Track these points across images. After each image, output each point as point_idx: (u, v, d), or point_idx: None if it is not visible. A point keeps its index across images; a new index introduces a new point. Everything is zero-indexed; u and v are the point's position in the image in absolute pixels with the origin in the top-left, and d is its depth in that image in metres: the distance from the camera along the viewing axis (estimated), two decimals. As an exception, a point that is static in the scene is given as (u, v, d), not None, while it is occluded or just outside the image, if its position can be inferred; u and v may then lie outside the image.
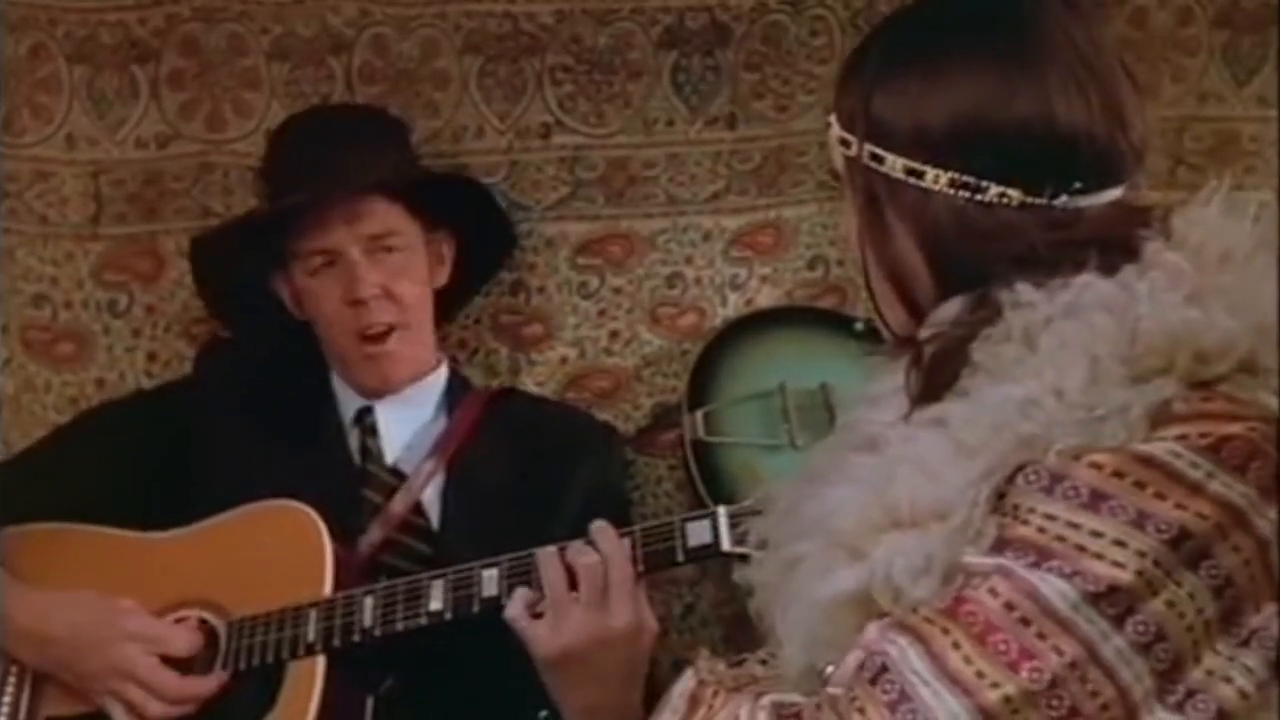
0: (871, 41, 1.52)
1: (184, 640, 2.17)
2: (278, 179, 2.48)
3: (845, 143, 1.48)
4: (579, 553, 1.87)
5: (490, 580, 2.02)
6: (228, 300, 2.55)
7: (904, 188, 1.43)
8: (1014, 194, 1.39)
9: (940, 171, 1.41)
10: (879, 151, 1.44)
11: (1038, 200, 1.39)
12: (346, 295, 2.38)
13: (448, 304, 2.57)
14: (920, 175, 1.42)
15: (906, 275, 1.45)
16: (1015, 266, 1.37)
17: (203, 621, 2.20)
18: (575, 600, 1.84)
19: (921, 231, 1.42)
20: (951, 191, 1.40)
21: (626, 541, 1.89)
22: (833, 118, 1.51)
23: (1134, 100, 1.44)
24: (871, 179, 1.45)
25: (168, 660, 2.16)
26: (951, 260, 1.42)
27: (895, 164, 1.43)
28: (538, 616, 1.85)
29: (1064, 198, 1.40)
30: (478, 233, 2.54)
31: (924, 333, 1.45)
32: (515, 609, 1.87)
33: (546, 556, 1.88)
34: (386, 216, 2.40)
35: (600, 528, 1.90)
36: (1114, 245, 1.36)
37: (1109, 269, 1.35)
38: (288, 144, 2.50)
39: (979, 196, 1.40)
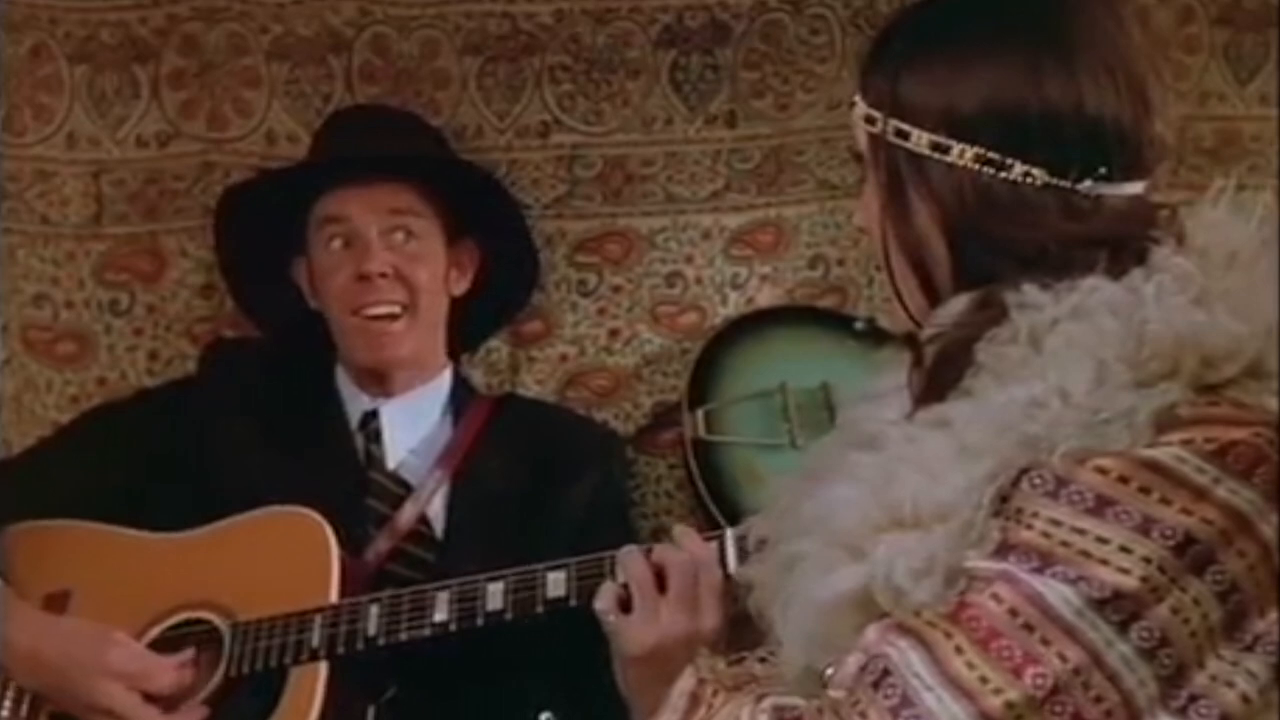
0: (900, 21, 1.51)
1: (170, 675, 2.14)
2: (313, 152, 2.51)
3: (870, 120, 1.46)
4: (668, 552, 1.84)
5: (495, 594, 2.02)
6: (247, 280, 2.55)
7: (928, 164, 1.41)
8: (1038, 174, 1.39)
9: (966, 146, 1.40)
10: (905, 127, 1.43)
11: (1061, 182, 1.39)
12: (357, 270, 2.38)
13: (469, 331, 2.57)
14: (946, 150, 1.41)
15: (927, 257, 1.44)
16: (1025, 266, 1.36)
17: (202, 622, 2.19)
18: (665, 599, 1.80)
19: (944, 209, 1.41)
20: (976, 167, 1.40)
21: (714, 545, 1.88)
22: (857, 97, 1.49)
23: (1161, 93, 1.43)
24: (895, 156, 1.44)
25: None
26: (972, 241, 1.41)
27: (921, 139, 1.42)
28: (626, 612, 1.82)
29: (1088, 183, 1.39)
30: (503, 250, 2.54)
31: (927, 331, 1.44)
32: (605, 602, 1.83)
33: (631, 554, 1.86)
34: (407, 198, 2.41)
35: (684, 531, 1.88)
36: (1125, 245, 1.36)
37: (1116, 272, 1.35)
38: (331, 126, 2.54)
39: (1003, 174, 1.39)
